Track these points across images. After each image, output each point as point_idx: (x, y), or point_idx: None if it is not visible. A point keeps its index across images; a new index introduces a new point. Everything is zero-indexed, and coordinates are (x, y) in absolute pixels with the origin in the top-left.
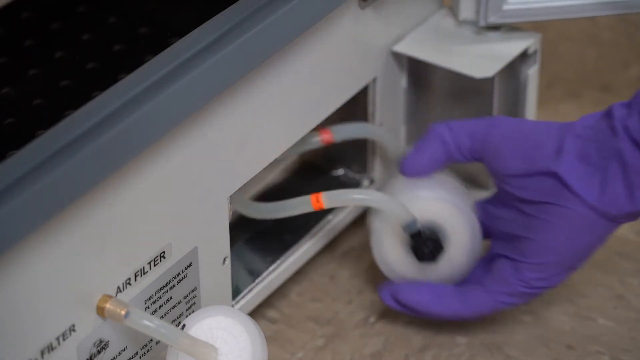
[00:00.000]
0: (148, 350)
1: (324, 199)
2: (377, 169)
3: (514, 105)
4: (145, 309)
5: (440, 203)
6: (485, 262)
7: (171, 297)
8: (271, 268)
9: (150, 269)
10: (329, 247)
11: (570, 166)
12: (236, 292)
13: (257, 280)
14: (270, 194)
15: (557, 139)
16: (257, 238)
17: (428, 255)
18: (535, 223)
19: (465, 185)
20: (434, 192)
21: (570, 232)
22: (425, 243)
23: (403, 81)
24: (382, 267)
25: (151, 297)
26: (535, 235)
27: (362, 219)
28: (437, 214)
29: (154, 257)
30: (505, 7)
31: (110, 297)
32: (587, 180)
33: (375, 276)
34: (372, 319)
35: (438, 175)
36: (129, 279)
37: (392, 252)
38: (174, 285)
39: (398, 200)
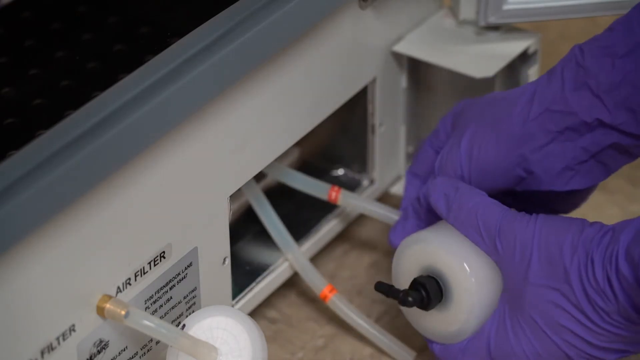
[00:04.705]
0: (148, 350)
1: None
2: (377, 169)
3: None
4: (145, 309)
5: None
6: None
7: (171, 297)
8: (271, 268)
9: (150, 269)
10: (329, 247)
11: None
12: (236, 292)
13: (257, 280)
14: (270, 194)
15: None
16: (257, 238)
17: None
18: None
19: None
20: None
21: None
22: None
23: (403, 81)
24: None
25: (151, 297)
26: None
27: (361, 218)
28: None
29: (154, 257)
30: (505, 7)
31: (110, 297)
32: None
33: (375, 276)
34: (372, 319)
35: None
36: (129, 279)
37: None
38: (174, 285)
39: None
